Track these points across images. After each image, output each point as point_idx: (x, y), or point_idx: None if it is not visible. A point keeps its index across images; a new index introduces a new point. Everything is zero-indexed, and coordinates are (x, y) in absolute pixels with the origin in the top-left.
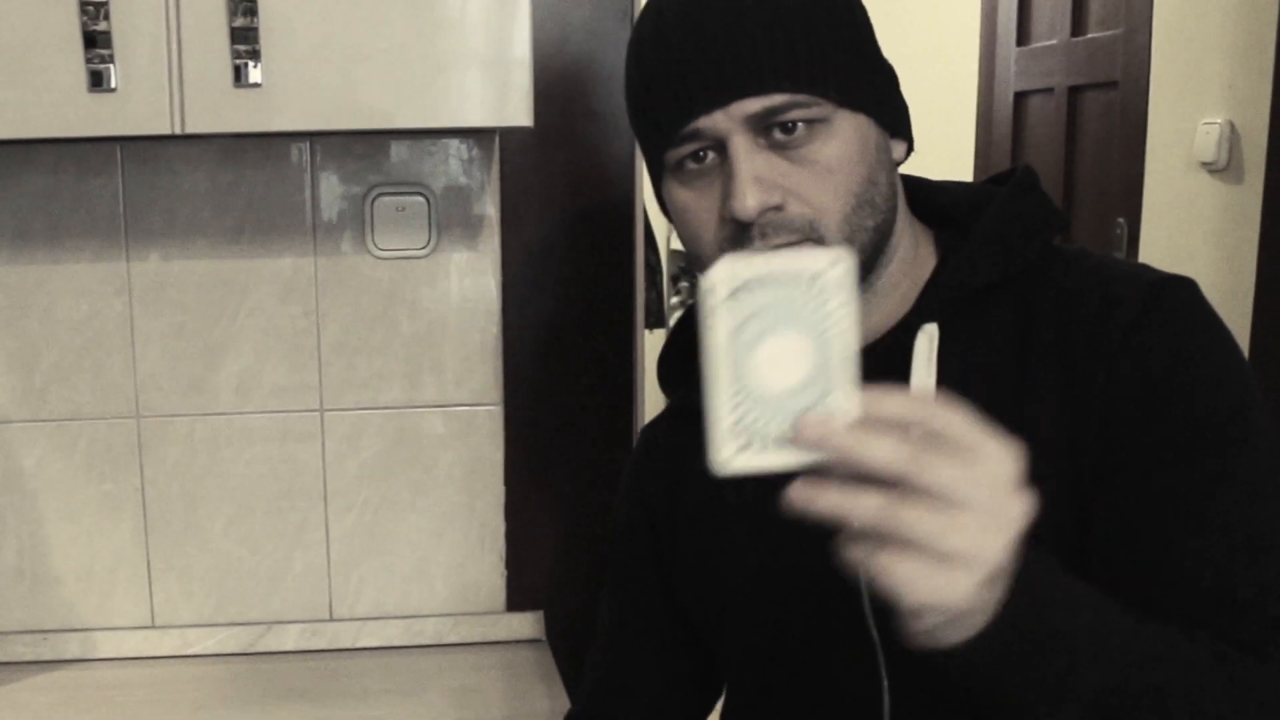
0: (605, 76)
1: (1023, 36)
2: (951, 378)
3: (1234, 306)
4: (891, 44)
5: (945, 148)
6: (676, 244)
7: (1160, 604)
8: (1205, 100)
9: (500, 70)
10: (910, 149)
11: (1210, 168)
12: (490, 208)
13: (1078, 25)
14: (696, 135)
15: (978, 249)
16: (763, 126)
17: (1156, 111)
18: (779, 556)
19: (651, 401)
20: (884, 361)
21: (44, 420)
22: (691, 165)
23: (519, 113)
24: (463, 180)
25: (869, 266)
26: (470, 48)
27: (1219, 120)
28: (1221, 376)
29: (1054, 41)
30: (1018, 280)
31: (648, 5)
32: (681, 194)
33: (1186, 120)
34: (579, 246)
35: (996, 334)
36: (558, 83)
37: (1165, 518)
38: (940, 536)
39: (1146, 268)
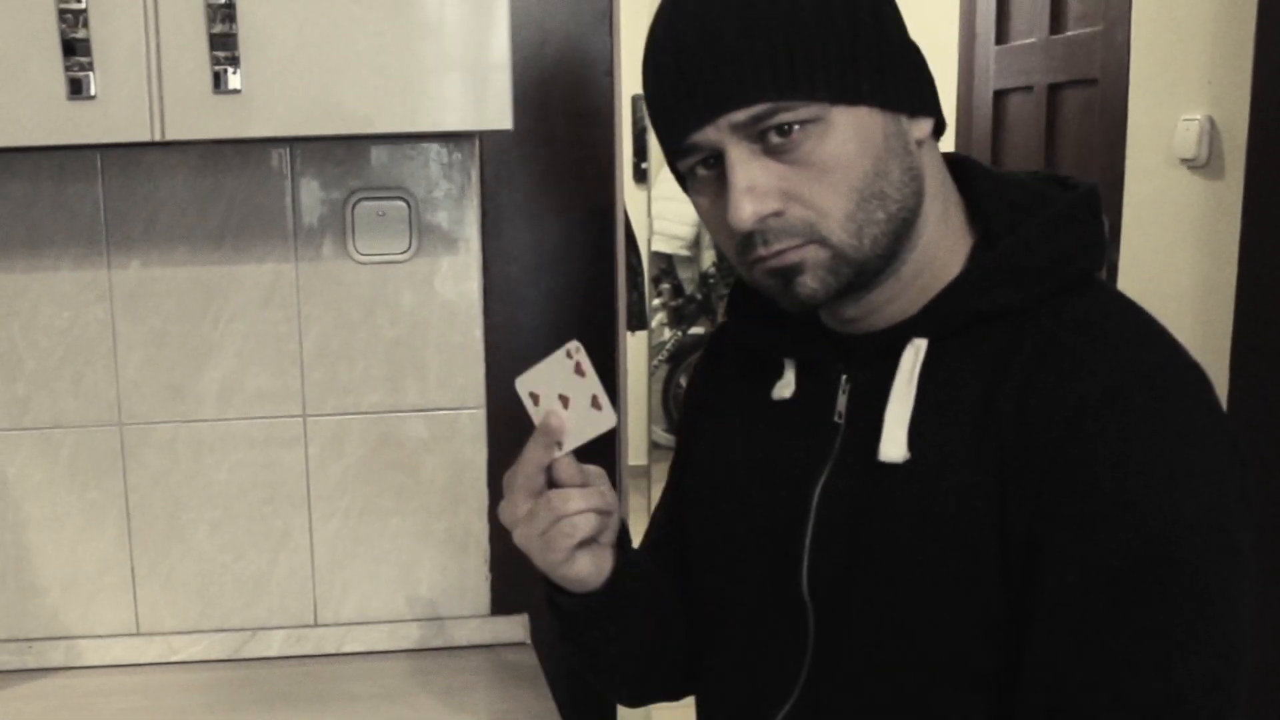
0: (585, 79)
1: (1001, 34)
2: (929, 397)
3: (1215, 302)
4: None
5: None
6: (658, 246)
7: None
8: (1185, 96)
9: (479, 74)
10: (940, 124)
11: (1190, 164)
12: (471, 211)
13: (1056, 23)
14: (695, 148)
15: (994, 275)
16: (756, 133)
17: (1136, 108)
18: (749, 509)
19: (635, 402)
20: (880, 357)
21: (26, 428)
22: (702, 172)
23: (499, 116)
24: (443, 184)
25: (888, 257)
26: (449, 52)
27: (1199, 116)
28: (1170, 504)
29: (1033, 39)
30: (1024, 311)
31: (653, 18)
32: (698, 200)
33: (1166, 116)
34: (561, 249)
35: (982, 363)
36: (537, 86)
37: (1055, 647)
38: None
39: (1148, 345)
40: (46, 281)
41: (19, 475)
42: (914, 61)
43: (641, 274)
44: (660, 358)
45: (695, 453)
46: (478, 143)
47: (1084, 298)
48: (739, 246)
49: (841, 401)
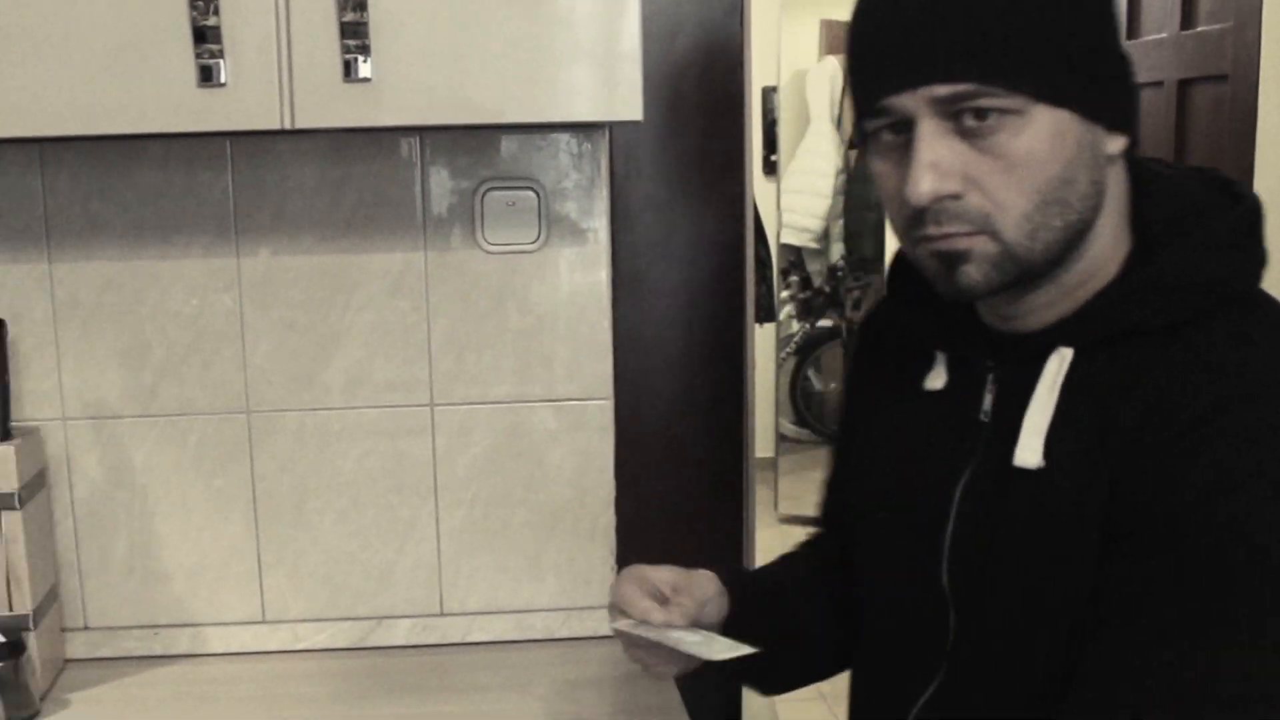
0: (716, 70)
1: (1132, 29)
2: (1069, 404)
3: None
4: None
5: None
6: (786, 239)
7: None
8: None
9: (610, 64)
10: (1134, 141)
11: None
12: (601, 202)
13: (1187, 19)
14: (888, 111)
15: (1148, 292)
16: (952, 111)
17: (1266, 105)
18: (896, 499)
19: (762, 395)
20: (1028, 360)
21: (154, 416)
22: (887, 137)
23: (629, 107)
24: (573, 174)
25: (1055, 263)
26: (580, 42)
27: None
28: (1252, 515)
29: (1164, 35)
30: (1173, 326)
31: None
32: (876, 163)
33: None
34: (689, 241)
35: (1125, 375)
36: (668, 77)
37: (1115, 638)
38: None
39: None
40: (175, 269)
41: (146, 463)
42: (1124, 75)
43: (770, 266)
44: (788, 350)
45: (852, 434)
46: (608, 133)
47: (1238, 313)
48: (909, 220)
49: (988, 400)
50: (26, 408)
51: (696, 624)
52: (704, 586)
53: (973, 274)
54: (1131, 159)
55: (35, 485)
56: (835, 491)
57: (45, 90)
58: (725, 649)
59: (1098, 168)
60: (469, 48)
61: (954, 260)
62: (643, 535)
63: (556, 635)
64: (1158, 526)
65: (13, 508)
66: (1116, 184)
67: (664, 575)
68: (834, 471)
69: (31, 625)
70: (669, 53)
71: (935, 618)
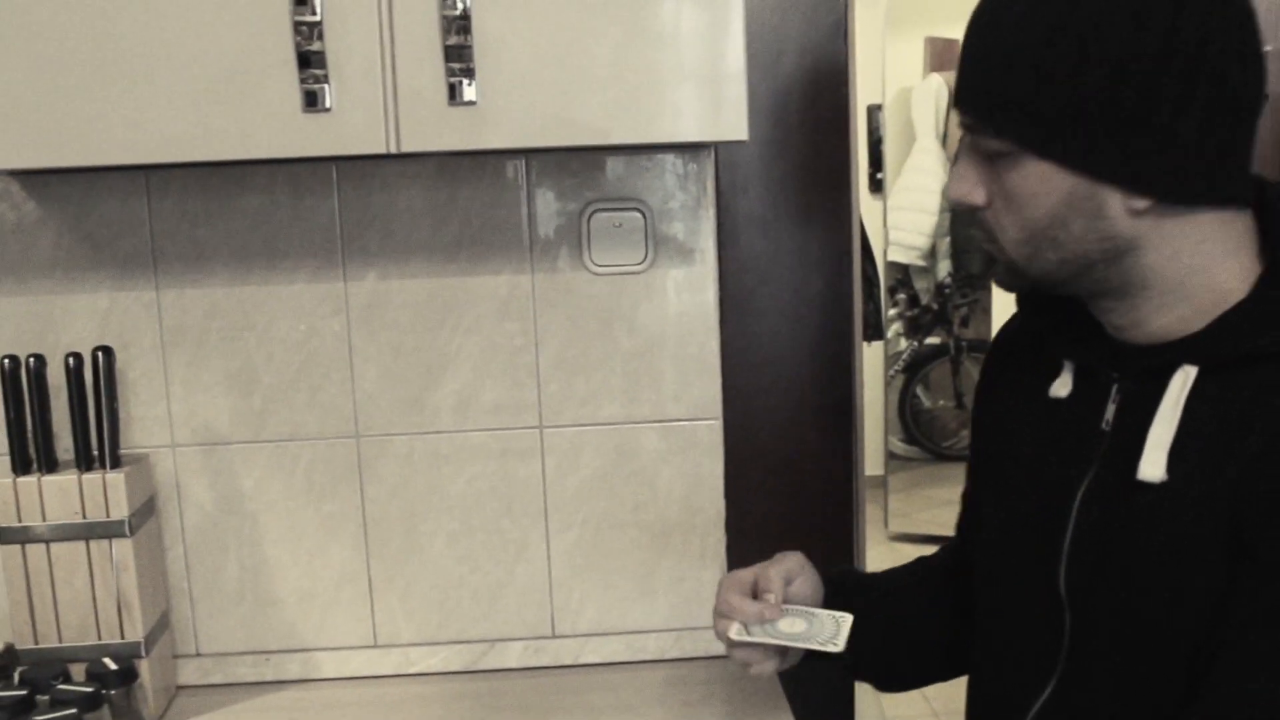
0: (820, 89)
1: None
2: (1192, 420)
3: None
4: None
5: None
6: (894, 256)
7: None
8: None
9: (715, 85)
10: (1186, 199)
11: None
12: (707, 221)
13: None
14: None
15: (1270, 315)
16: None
17: None
18: (1018, 505)
19: (871, 413)
20: (1152, 374)
21: (264, 441)
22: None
23: (734, 127)
24: (679, 195)
25: (1072, 283)
26: (685, 63)
27: None
28: None
29: (1270, 48)
30: None
31: None
32: None
33: None
34: (796, 259)
35: (1250, 396)
36: (773, 96)
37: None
38: None
39: None
40: (283, 294)
41: (256, 488)
42: (1147, 138)
43: (877, 284)
44: (896, 368)
45: (982, 441)
46: (714, 153)
47: None
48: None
49: (1110, 410)
50: (136, 435)
51: (789, 601)
52: (787, 561)
53: (1000, 273)
54: (1261, 183)
55: (145, 512)
56: (969, 503)
57: (152, 118)
58: (828, 629)
59: (1100, 219)
60: (574, 69)
61: (993, 257)
62: (753, 555)
63: (668, 656)
64: (1275, 555)
65: (123, 535)
66: (1243, 217)
67: (753, 571)
68: (968, 483)
69: (143, 652)
70: (774, 72)
71: (1051, 623)
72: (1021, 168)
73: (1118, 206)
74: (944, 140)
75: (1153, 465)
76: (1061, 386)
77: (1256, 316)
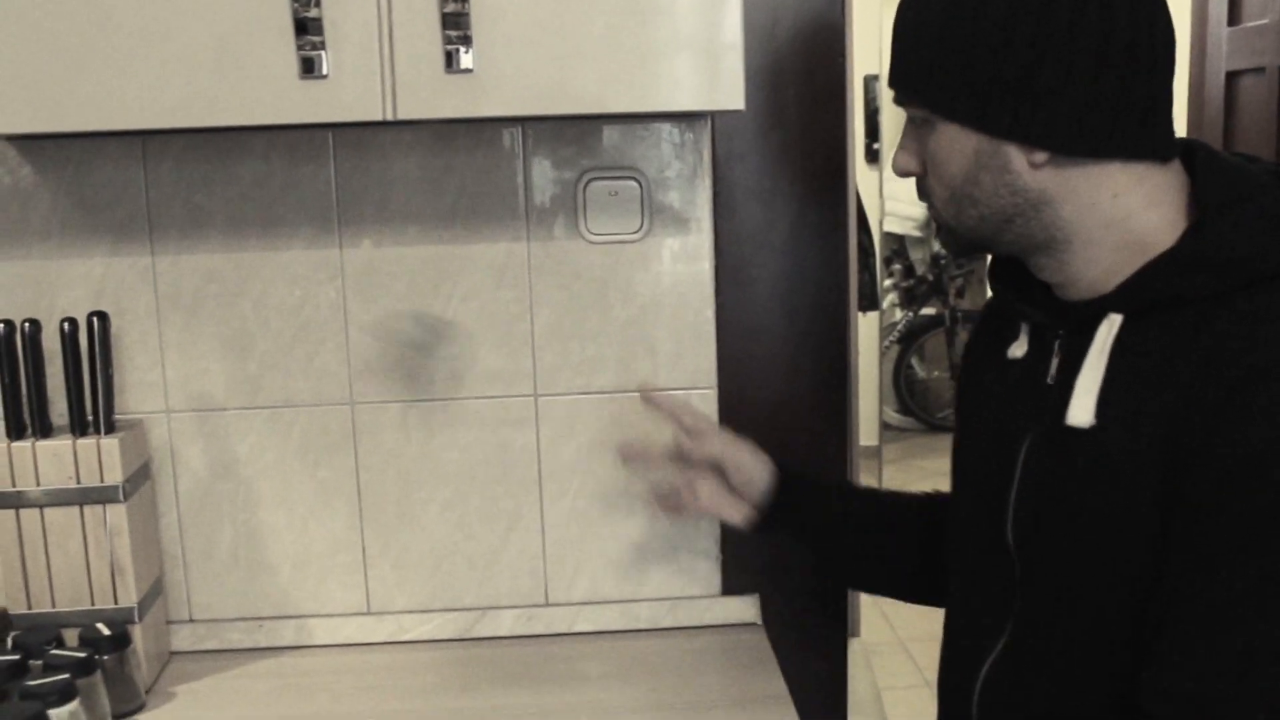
0: (817, 59)
1: (1234, 16)
2: (1121, 367)
3: None
4: None
5: None
6: (890, 227)
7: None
8: None
9: (711, 54)
10: (1079, 151)
11: None
12: (703, 191)
13: None
14: None
15: (1194, 262)
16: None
17: None
18: (976, 461)
19: (866, 383)
20: (1086, 326)
21: (258, 407)
22: None
23: (731, 96)
24: (675, 164)
25: (997, 241)
26: (682, 31)
27: None
28: None
29: (1266, 20)
30: (1222, 295)
31: None
32: None
33: None
34: (792, 229)
35: (1174, 339)
36: (769, 66)
37: (1173, 589)
38: None
39: None
40: (278, 261)
41: (250, 454)
42: (1034, 96)
43: (873, 254)
44: (891, 338)
45: (960, 410)
46: (710, 123)
47: None
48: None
49: (1054, 365)
50: (130, 400)
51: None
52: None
53: (944, 236)
54: (1189, 145)
55: (139, 478)
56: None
57: (148, 83)
58: None
59: (1007, 173)
60: (571, 38)
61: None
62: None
63: (661, 625)
64: (1213, 487)
65: (117, 500)
66: (1164, 173)
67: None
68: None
69: (136, 618)
70: (770, 41)
71: (1002, 576)
72: (937, 133)
73: (1020, 161)
74: None
75: (1081, 410)
76: (1018, 347)
77: (1177, 263)
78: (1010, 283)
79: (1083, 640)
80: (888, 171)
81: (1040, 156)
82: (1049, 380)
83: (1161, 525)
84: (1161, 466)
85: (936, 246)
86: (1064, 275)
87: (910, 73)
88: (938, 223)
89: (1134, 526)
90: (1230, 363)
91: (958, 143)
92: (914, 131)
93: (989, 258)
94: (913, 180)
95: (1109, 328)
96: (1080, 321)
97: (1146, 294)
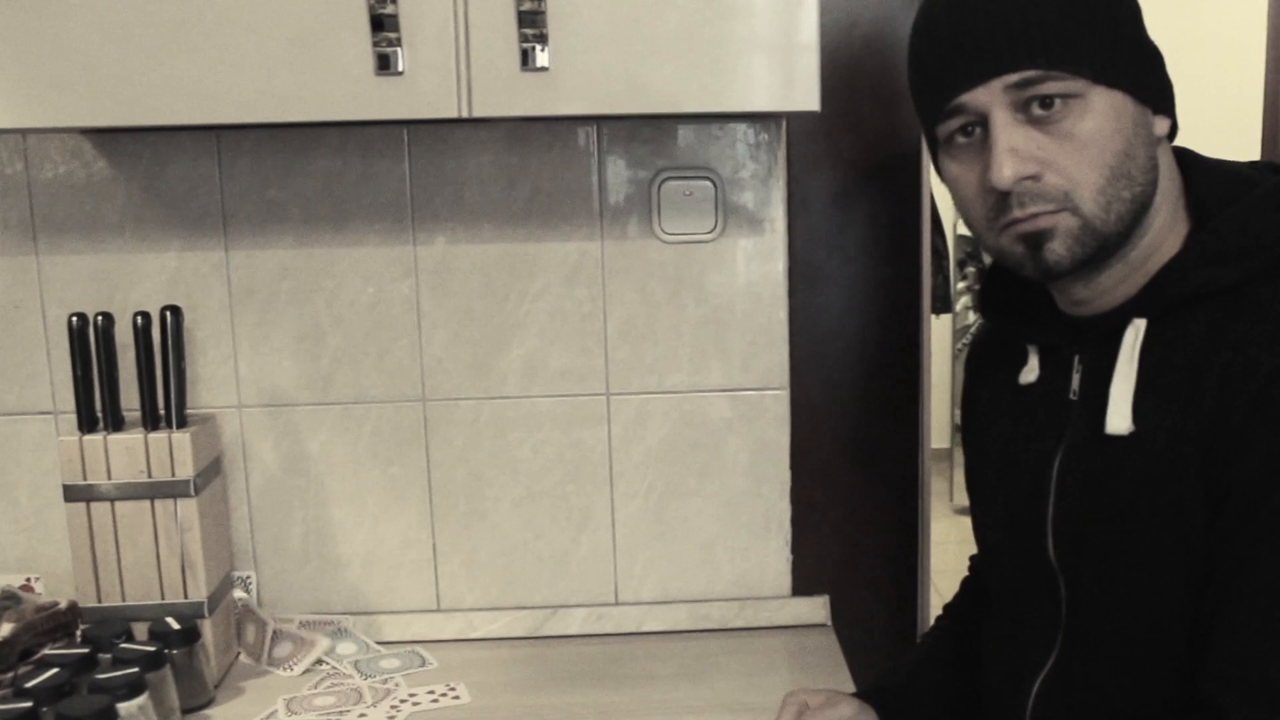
0: (892, 61)
1: None
2: (1151, 371)
3: None
4: (1177, 32)
5: (1231, 136)
6: (964, 229)
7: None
8: None
9: (788, 54)
10: (1174, 126)
11: None
12: (777, 192)
13: None
14: (962, 110)
15: (1205, 255)
16: (1022, 102)
17: None
18: (1004, 487)
19: (938, 386)
20: (1108, 338)
21: (330, 403)
22: (960, 140)
23: (806, 97)
24: (750, 165)
25: (1126, 235)
26: (758, 32)
27: None
28: None
29: None
30: (1241, 288)
31: None
32: (952, 166)
33: None
34: (866, 231)
35: (1200, 337)
36: (845, 67)
37: (1225, 583)
38: None
39: None
40: (352, 257)
41: (322, 451)
42: (1158, 63)
43: (946, 257)
44: (964, 341)
45: (970, 447)
46: (784, 124)
47: None
48: (992, 210)
49: (1075, 380)
50: (203, 395)
51: None
52: (842, 709)
53: (1058, 250)
54: (1180, 152)
55: (211, 473)
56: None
57: (224, 78)
58: None
59: (1152, 145)
60: (646, 37)
61: (1040, 239)
62: (818, 526)
63: (731, 625)
64: (1259, 476)
65: (188, 495)
66: (1168, 166)
67: (815, 698)
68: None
69: (206, 613)
70: (846, 43)
71: (1048, 594)
72: (1094, 107)
73: (1154, 131)
74: None
75: (1119, 418)
76: (1029, 372)
77: (1197, 259)
78: (1005, 312)
79: (1137, 647)
80: None
81: (1165, 125)
82: (1071, 396)
83: (1208, 522)
84: (1203, 464)
85: None
86: (1101, 287)
87: (1064, 39)
88: (1072, 226)
89: (1181, 527)
90: (1263, 352)
91: (1122, 114)
92: (1027, 130)
93: (979, 298)
94: None
95: (1135, 334)
96: (1100, 336)
97: (1169, 294)
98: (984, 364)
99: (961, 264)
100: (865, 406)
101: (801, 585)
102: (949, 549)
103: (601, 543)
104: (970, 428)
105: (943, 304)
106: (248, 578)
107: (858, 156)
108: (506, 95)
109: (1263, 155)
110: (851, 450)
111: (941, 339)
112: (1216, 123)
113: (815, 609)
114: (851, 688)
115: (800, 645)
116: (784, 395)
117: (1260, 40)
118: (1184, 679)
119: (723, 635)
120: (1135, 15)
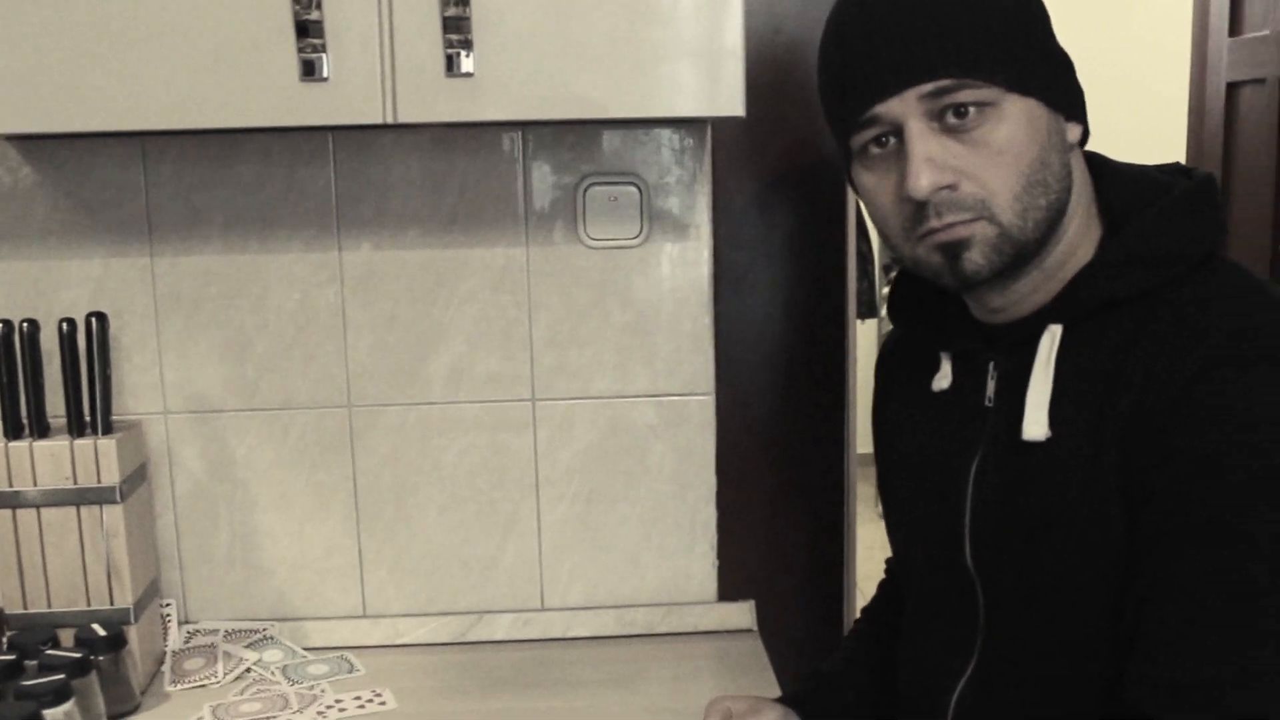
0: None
1: (1235, 26)
2: (1067, 377)
3: None
4: (1103, 35)
5: (1157, 138)
6: None
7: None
8: None
9: (712, 60)
10: (1086, 133)
11: None
12: (703, 197)
13: None
14: (876, 120)
15: (1119, 261)
16: (936, 111)
17: None
18: (919, 495)
19: (864, 390)
20: (1023, 344)
21: (256, 409)
22: (875, 150)
23: (731, 102)
24: (675, 170)
25: (1042, 242)
26: (682, 37)
27: None
28: (1261, 458)
29: (1266, 32)
30: (1154, 293)
31: (835, 4)
32: (867, 177)
33: None
34: (791, 236)
35: (1114, 342)
36: (770, 72)
37: (1150, 586)
38: None
39: (1263, 312)
40: (278, 263)
41: (248, 456)
42: (1068, 70)
43: (872, 261)
44: None
45: (882, 457)
46: (709, 129)
47: (1210, 277)
48: (909, 220)
49: (990, 387)
50: (128, 401)
51: None
52: (765, 714)
53: (976, 259)
54: (1089, 156)
55: (136, 479)
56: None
57: (148, 84)
58: None
59: (1065, 151)
60: (571, 43)
61: (957, 249)
62: (744, 531)
63: (657, 630)
64: (1178, 481)
65: (114, 501)
66: (1080, 173)
67: (740, 705)
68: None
69: (132, 619)
70: (770, 48)
71: (965, 598)
72: (1008, 115)
73: (1066, 138)
74: None
75: (1036, 425)
76: (942, 379)
77: (1111, 265)
78: (917, 320)
79: (1058, 653)
80: None
81: (1077, 132)
82: (987, 403)
83: (1126, 528)
84: (1121, 469)
85: None
86: (1017, 294)
87: (977, 48)
88: (989, 235)
89: (1100, 532)
90: (1178, 357)
91: (1035, 121)
92: (942, 140)
93: (887, 307)
94: None
95: (1051, 340)
96: (1015, 343)
97: (1085, 299)
98: (895, 371)
99: (887, 269)
100: (790, 411)
101: (727, 590)
102: (875, 553)
103: (527, 548)
104: (882, 436)
105: (868, 309)
106: (167, 605)
107: (782, 161)
108: (431, 101)
109: (1188, 155)
110: (777, 455)
111: (867, 343)
112: (1143, 124)
113: (741, 614)
114: (777, 692)
115: (726, 650)
116: (709, 400)
117: (1186, 42)
118: (1107, 686)
119: (649, 640)
120: (1045, 24)
